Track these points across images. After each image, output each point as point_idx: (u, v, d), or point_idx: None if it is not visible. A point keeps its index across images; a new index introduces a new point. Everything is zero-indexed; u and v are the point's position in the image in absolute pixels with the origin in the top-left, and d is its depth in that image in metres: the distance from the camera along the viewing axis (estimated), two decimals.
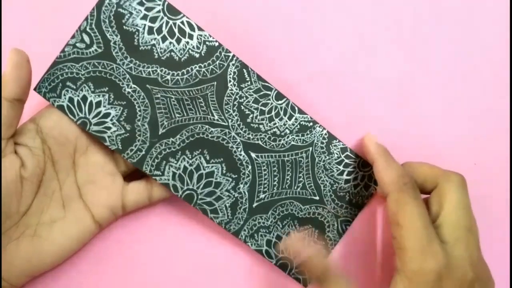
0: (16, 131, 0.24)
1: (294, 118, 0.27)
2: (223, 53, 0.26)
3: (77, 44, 0.25)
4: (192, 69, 0.26)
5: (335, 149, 0.28)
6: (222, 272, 0.29)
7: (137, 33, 0.25)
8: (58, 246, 0.24)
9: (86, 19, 0.25)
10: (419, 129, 0.30)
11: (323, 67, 0.30)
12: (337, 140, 0.28)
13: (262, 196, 0.27)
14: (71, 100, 0.25)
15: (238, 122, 0.27)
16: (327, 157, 0.28)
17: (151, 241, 0.29)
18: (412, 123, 0.30)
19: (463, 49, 0.31)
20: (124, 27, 0.25)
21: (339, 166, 0.28)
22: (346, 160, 0.28)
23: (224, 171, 0.27)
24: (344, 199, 0.28)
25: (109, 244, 0.28)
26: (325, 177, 0.28)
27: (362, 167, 0.28)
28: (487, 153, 0.30)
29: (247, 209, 0.27)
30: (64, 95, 0.25)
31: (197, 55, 0.26)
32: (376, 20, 0.30)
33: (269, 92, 0.27)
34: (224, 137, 0.27)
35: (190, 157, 0.26)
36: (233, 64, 0.26)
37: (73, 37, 0.25)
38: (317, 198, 0.28)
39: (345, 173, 0.28)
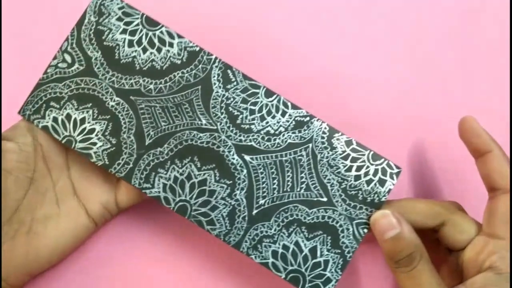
0: (8, 129, 0.24)
1: (288, 114, 0.26)
2: (205, 57, 0.26)
3: (59, 65, 0.25)
4: (174, 76, 0.25)
5: (338, 143, 0.25)
6: (225, 275, 0.27)
7: (117, 47, 0.25)
8: (54, 241, 0.24)
9: (67, 39, 0.25)
10: (418, 129, 0.30)
11: (323, 67, 0.30)
12: (340, 133, 0.25)
13: (261, 201, 0.25)
14: (55, 119, 0.25)
15: (228, 125, 0.25)
16: (330, 153, 0.25)
17: (153, 244, 0.28)
18: (411, 123, 0.30)
19: (463, 49, 0.30)
20: (104, 43, 0.25)
21: (345, 162, 0.25)
22: (353, 154, 0.25)
23: (217, 178, 0.25)
24: (356, 198, 0.25)
25: (111, 245, 0.28)
26: (330, 175, 0.25)
27: (373, 160, 0.25)
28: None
29: (246, 217, 0.25)
30: (48, 115, 0.25)
31: (178, 62, 0.26)
32: (376, 20, 0.30)
33: (257, 90, 0.26)
34: (214, 141, 0.25)
35: (180, 166, 0.25)
36: (216, 66, 0.26)
37: (54, 58, 0.25)
38: (325, 199, 0.25)
39: (354, 168, 0.25)
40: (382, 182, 0.25)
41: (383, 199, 0.25)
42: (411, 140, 0.30)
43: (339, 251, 0.24)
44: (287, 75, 0.29)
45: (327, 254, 0.24)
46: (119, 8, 0.26)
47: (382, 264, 0.28)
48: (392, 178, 0.25)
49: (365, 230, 0.25)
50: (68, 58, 0.25)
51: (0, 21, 0.30)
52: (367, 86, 0.30)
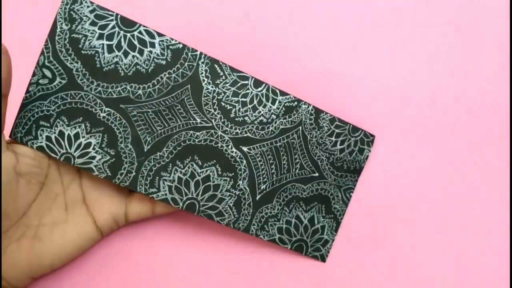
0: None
1: (277, 101, 0.26)
2: (189, 54, 0.25)
3: (40, 81, 0.24)
4: (162, 78, 0.25)
5: (324, 122, 0.27)
6: (226, 279, 0.29)
7: (97, 54, 0.24)
8: (58, 248, 0.24)
9: (42, 53, 0.24)
10: (419, 129, 0.30)
11: (323, 67, 0.30)
12: (324, 113, 0.27)
13: (263, 187, 0.27)
14: (48, 138, 0.24)
15: (222, 120, 0.26)
16: (318, 132, 0.27)
17: (154, 246, 0.29)
18: (412, 123, 0.30)
19: (463, 48, 0.30)
20: (83, 51, 0.24)
21: (331, 138, 0.27)
22: (337, 130, 0.27)
23: (220, 172, 0.26)
24: (342, 168, 0.28)
25: (113, 249, 0.28)
26: (320, 152, 0.27)
27: (353, 133, 0.28)
28: (487, 153, 0.30)
29: (251, 203, 0.27)
30: (41, 135, 0.24)
31: (163, 62, 0.25)
32: (376, 20, 0.30)
33: (246, 82, 0.26)
34: (212, 138, 0.26)
35: (182, 167, 0.26)
36: (202, 62, 0.25)
37: (33, 74, 0.24)
38: (317, 174, 0.27)
39: (338, 143, 0.28)
40: (361, 151, 0.28)
41: (363, 165, 0.28)
42: (411, 140, 0.30)
43: (332, 215, 0.28)
44: (286, 75, 0.29)
45: (323, 220, 0.28)
46: (91, 12, 0.24)
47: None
48: (368, 145, 0.28)
49: (351, 194, 0.28)
50: (47, 73, 0.24)
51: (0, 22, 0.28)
52: (368, 85, 0.30)
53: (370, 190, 0.29)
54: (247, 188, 0.27)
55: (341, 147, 0.28)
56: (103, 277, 0.28)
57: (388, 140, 0.29)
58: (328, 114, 0.27)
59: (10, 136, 0.24)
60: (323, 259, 0.28)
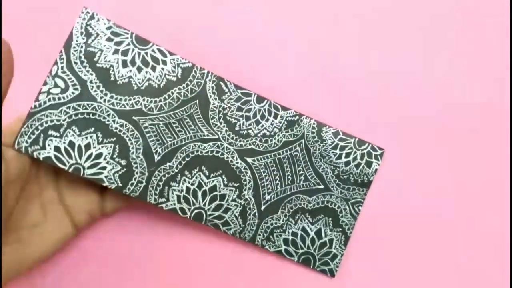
0: (5, 133, 0.24)
1: (279, 116, 0.29)
2: (198, 72, 0.27)
3: (52, 90, 0.24)
4: (172, 93, 0.26)
5: (327, 136, 0.29)
6: (221, 273, 0.29)
7: (112, 68, 0.25)
8: (38, 250, 0.24)
9: (56, 63, 0.24)
10: (419, 129, 0.30)
11: (322, 67, 0.30)
12: (327, 127, 0.29)
13: (268, 197, 0.28)
14: (57, 149, 0.24)
15: (228, 133, 0.28)
16: (321, 145, 0.29)
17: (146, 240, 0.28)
18: (412, 123, 0.30)
19: (463, 48, 0.30)
20: (98, 64, 0.25)
21: (335, 151, 0.29)
22: (341, 143, 0.29)
23: (225, 182, 0.27)
24: (349, 181, 0.29)
25: (114, 249, 0.28)
26: (324, 164, 0.29)
27: (359, 146, 0.29)
28: (487, 153, 0.30)
29: (256, 214, 0.28)
30: (49, 145, 0.24)
31: (174, 79, 0.27)
32: (376, 20, 0.30)
33: (249, 98, 0.28)
34: (218, 149, 0.27)
35: (190, 177, 0.26)
36: (209, 80, 0.27)
37: (45, 83, 0.24)
38: (322, 186, 0.29)
39: (343, 155, 0.29)
40: (368, 164, 0.29)
41: (371, 178, 0.29)
42: (411, 140, 0.30)
43: (340, 229, 0.29)
44: (286, 77, 0.30)
45: (330, 234, 0.29)
46: (107, 28, 0.25)
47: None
48: (377, 159, 0.30)
49: (360, 208, 0.29)
50: (60, 83, 0.24)
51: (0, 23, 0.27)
52: (368, 84, 0.30)
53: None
54: (252, 198, 0.28)
55: (347, 159, 0.29)
56: (103, 277, 0.28)
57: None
58: (331, 128, 0.29)
59: (12, 147, 0.23)
60: (332, 273, 0.28)
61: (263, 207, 0.28)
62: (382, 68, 0.30)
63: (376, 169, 0.29)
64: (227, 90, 0.28)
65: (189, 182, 0.26)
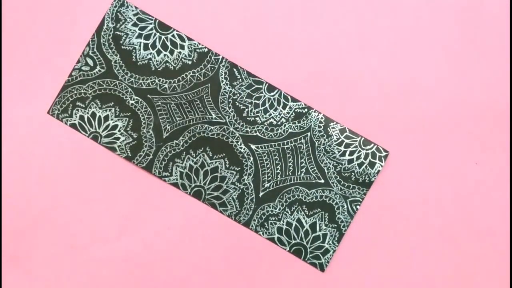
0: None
1: (288, 107, 0.29)
2: (213, 57, 0.28)
3: (83, 68, 0.28)
4: (186, 75, 0.28)
5: (333, 131, 0.29)
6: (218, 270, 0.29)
7: (134, 50, 0.28)
8: None
9: (88, 44, 0.28)
10: (418, 128, 0.30)
11: (323, 67, 0.30)
12: (335, 123, 0.29)
13: (267, 185, 0.28)
14: (81, 118, 0.28)
15: (235, 118, 0.28)
16: (327, 140, 0.29)
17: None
18: (411, 123, 0.30)
19: (463, 48, 0.30)
20: (122, 47, 0.28)
21: (340, 147, 0.29)
22: (346, 141, 0.29)
23: (227, 165, 0.28)
24: (350, 179, 0.28)
25: (113, 249, 0.29)
26: (327, 159, 0.29)
27: (364, 145, 0.29)
28: (487, 153, 0.29)
29: (254, 199, 0.28)
30: (75, 114, 0.28)
31: (189, 62, 0.28)
32: (376, 19, 0.30)
33: (260, 86, 0.29)
34: (224, 133, 0.28)
35: (194, 156, 0.28)
36: (223, 66, 0.29)
37: (78, 62, 0.28)
38: (322, 181, 0.29)
39: (347, 153, 0.29)
40: (372, 165, 0.28)
41: (373, 179, 0.28)
42: (411, 141, 0.30)
43: (336, 225, 0.28)
44: (287, 75, 0.30)
45: (325, 229, 0.28)
46: (134, 15, 0.28)
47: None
48: (380, 160, 0.28)
49: (358, 207, 0.28)
50: (90, 61, 0.28)
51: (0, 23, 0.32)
52: (368, 84, 0.30)
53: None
54: (251, 183, 0.28)
55: (350, 157, 0.28)
56: (103, 277, 0.29)
57: (387, 138, 0.29)
58: (338, 124, 0.29)
59: (48, 112, 0.28)
60: (322, 268, 0.28)
61: (261, 194, 0.28)
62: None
63: (379, 170, 0.28)
64: (239, 77, 0.29)
65: (192, 161, 0.28)
